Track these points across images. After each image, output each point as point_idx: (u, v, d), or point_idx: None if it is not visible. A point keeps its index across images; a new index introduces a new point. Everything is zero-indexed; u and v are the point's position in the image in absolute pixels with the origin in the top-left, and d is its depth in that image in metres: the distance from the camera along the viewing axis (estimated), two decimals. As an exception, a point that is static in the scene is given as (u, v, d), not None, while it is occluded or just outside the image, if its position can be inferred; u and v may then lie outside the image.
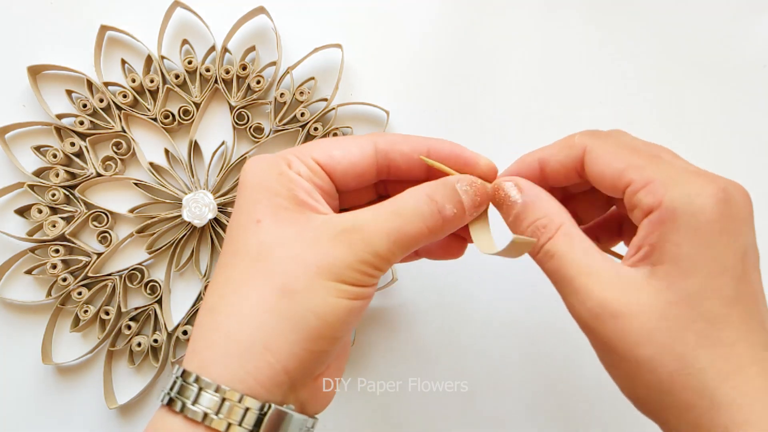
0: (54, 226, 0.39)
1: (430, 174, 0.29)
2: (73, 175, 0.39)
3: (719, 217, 0.24)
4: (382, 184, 0.31)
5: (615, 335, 0.24)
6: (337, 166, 0.28)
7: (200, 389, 0.24)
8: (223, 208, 0.39)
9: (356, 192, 0.30)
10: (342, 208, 0.31)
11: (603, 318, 0.24)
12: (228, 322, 0.25)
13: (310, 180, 0.27)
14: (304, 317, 0.24)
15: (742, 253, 0.24)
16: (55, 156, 0.39)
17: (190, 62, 0.39)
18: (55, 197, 0.39)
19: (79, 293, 0.39)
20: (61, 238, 0.39)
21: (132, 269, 0.39)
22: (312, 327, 0.25)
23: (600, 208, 0.32)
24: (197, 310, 0.39)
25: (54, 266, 0.39)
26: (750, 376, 0.23)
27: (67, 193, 0.39)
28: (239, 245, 0.26)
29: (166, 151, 0.40)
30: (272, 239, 0.26)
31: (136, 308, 0.40)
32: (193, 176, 0.40)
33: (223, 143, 0.40)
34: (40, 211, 0.39)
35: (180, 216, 0.39)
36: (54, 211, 0.39)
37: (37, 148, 0.39)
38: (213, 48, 0.40)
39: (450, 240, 0.31)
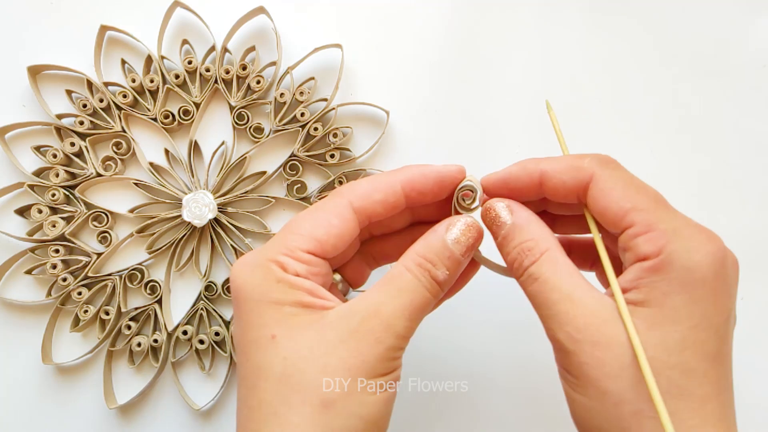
0: (54, 226, 0.39)
1: (410, 203, 0.29)
2: (73, 175, 0.39)
3: (714, 277, 0.24)
4: (365, 229, 0.31)
5: (590, 362, 0.24)
6: (327, 246, 0.27)
7: None
8: (223, 208, 0.39)
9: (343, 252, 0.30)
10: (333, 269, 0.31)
11: (581, 344, 0.24)
12: None
13: (308, 276, 0.27)
14: (351, 425, 0.24)
15: (728, 315, 0.24)
16: (55, 156, 0.39)
17: (190, 62, 0.39)
18: (55, 197, 0.39)
19: (79, 293, 0.39)
20: (61, 238, 0.39)
21: (132, 269, 0.39)
22: (361, 430, 0.25)
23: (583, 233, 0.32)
24: (197, 310, 0.40)
25: (54, 266, 0.39)
26: None
27: (67, 193, 0.39)
28: (261, 364, 0.25)
29: (166, 151, 0.40)
30: (293, 353, 0.25)
31: (136, 308, 0.40)
32: (193, 176, 0.40)
33: (223, 143, 0.40)
34: (40, 211, 0.39)
35: (180, 216, 0.39)
36: (54, 211, 0.39)
37: (37, 148, 0.39)
38: (213, 48, 0.40)
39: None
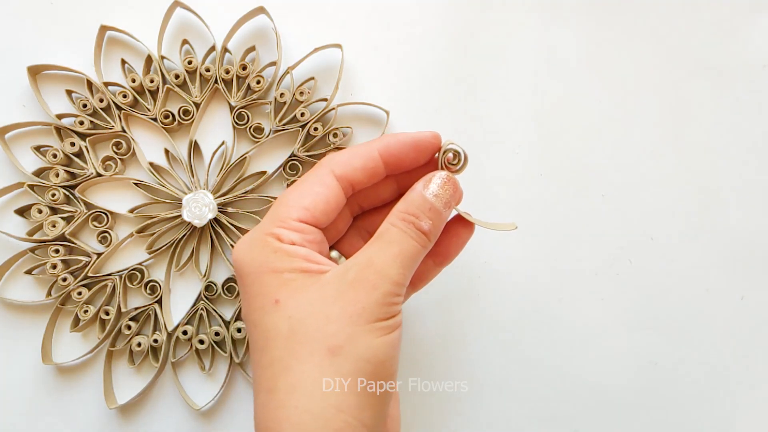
0: (54, 226, 0.39)
1: (389, 170, 0.31)
2: (73, 175, 0.39)
3: None
4: (353, 199, 0.32)
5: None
6: (316, 213, 0.29)
7: None
8: (223, 208, 0.39)
9: (335, 222, 0.32)
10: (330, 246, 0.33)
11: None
12: (293, 398, 0.25)
13: (303, 243, 0.28)
14: (360, 367, 0.26)
15: None
16: (55, 156, 0.39)
17: (190, 62, 0.39)
18: (55, 197, 0.39)
19: (79, 293, 0.39)
20: (61, 238, 0.39)
21: (132, 269, 0.39)
22: (370, 373, 0.26)
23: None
24: (197, 310, 0.40)
25: (54, 266, 0.39)
26: None
27: (67, 193, 0.39)
28: (268, 327, 0.27)
29: (166, 151, 0.40)
30: (297, 312, 0.27)
31: (136, 308, 0.40)
32: (193, 176, 0.40)
33: (223, 143, 0.40)
34: (40, 211, 0.39)
35: (180, 216, 0.39)
36: (54, 211, 0.39)
37: (37, 148, 0.39)
38: (213, 48, 0.40)
39: (447, 231, 0.32)
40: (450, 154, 0.31)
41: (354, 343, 0.26)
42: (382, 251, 0.28)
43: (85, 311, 0.39)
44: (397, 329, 0.27)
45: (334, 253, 0.33)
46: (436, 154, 0.32)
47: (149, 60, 0.40)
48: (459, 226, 0.33)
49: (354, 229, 0.34)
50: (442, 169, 0.31)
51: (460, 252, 0.33)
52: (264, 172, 0.40)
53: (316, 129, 0.39)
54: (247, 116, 0.40)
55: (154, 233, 0.39)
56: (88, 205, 0.39)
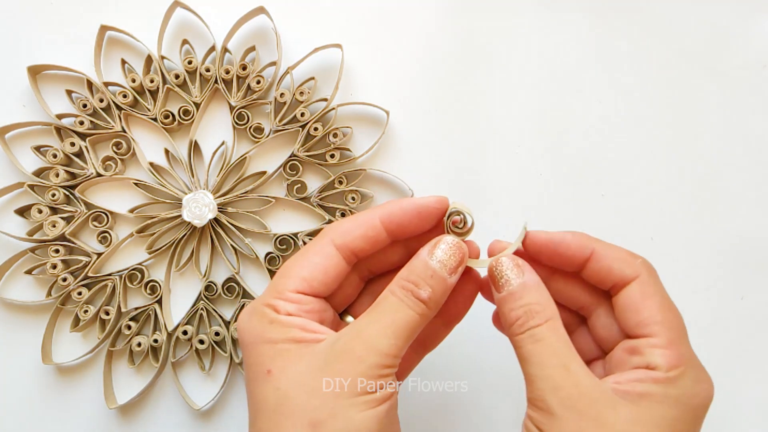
0: (54, 226, 0.39)
1: (393, 237, 0.30)
2: (73, 175, 0.39)
3: (703, 410, 0.27)
4: (362, 264, 0.32)
5: (573, 430, 0.25)
6: (314, 283, 0.29)
7: None
8: (223, 208, 0.39)
9: (342, 287, 0.31)
10: (340, 313, 0.32)
11: (570, 411, 0.26)
12: None
13: (300, 313, 0.28)
14: None
15: None
16: (55, 156, 0.39)
17: (190, 62, 0.39)
18: (55, 197, 0.39)
19: (79, 293, 0.39)
20: (61, 238, 0.39)
21: (132, 269, 0.39)
22: None
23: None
24: (197, 310, 0.40)
25: (54, 266, 0.39)
26: None
27: (67, 193, 0.39)
28: (259, 399, 0.27)
29: (166, 151, 0.40)
30: (285, 384, 0.26)
31: (136, 308, 0.40)
32: (193, 176, 0.40)
33: (223, 143, 0.40)
34: (40, 211, 0.39)
35: (180, 216, 0.39)
36: (54, 211, 0.39)
37: (37, 148, 0.39)
38: (213, 48, 0.40)
39: (454, 296, 0.31)
40: (457, 217, 0.30)
41: (335, 417, 0.25)
42: (375, 321, 0.27)
43: (85, 311, 0.39)
44: (385, 402, 0.27)
45: (350, 318, 0.32)
46: (444, 218, 0.30)
47: (149, 60, 0.40)
48: (463, 283, 0.31)
49: (368, 293, 0.33)
50: (448, 232, 0.30)
51: (468, 310, 0.32)
52: (264, 172, 0.40)
53: (316, 129, 0.39)
54: (247, 116, 0.40)
55: (154, 233, 0.39)
56: (88, 205, 0.39)
